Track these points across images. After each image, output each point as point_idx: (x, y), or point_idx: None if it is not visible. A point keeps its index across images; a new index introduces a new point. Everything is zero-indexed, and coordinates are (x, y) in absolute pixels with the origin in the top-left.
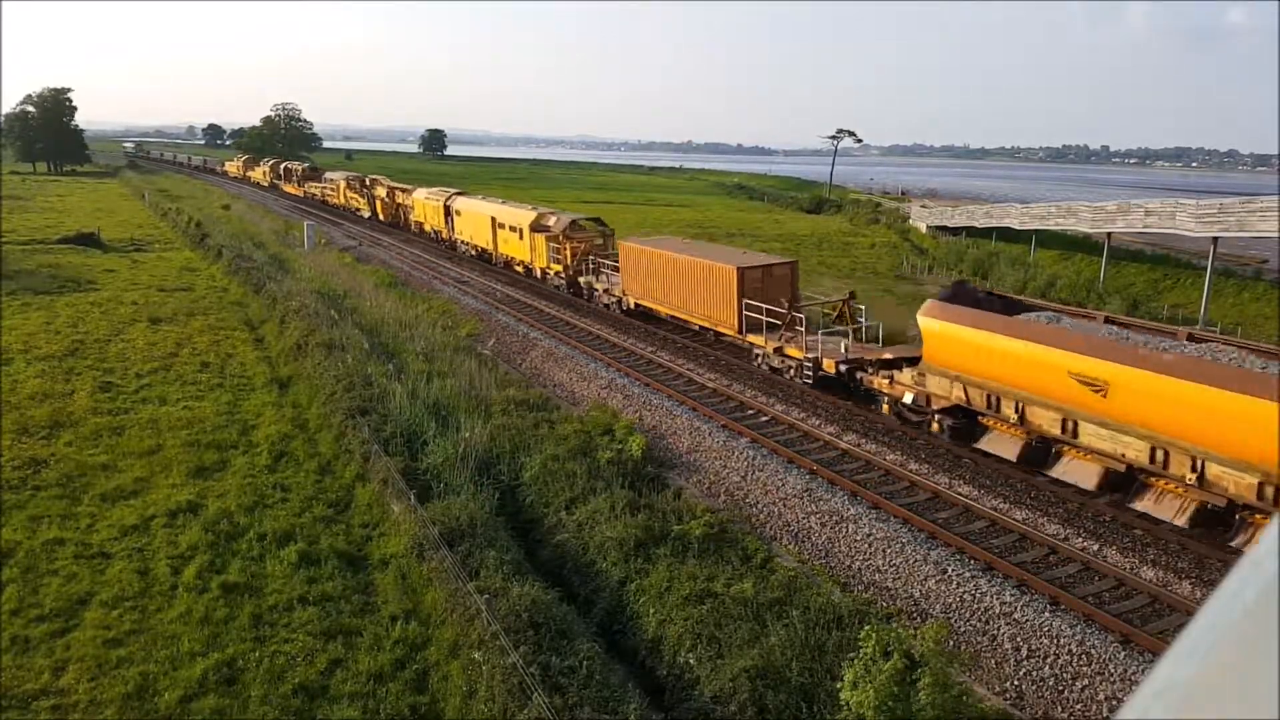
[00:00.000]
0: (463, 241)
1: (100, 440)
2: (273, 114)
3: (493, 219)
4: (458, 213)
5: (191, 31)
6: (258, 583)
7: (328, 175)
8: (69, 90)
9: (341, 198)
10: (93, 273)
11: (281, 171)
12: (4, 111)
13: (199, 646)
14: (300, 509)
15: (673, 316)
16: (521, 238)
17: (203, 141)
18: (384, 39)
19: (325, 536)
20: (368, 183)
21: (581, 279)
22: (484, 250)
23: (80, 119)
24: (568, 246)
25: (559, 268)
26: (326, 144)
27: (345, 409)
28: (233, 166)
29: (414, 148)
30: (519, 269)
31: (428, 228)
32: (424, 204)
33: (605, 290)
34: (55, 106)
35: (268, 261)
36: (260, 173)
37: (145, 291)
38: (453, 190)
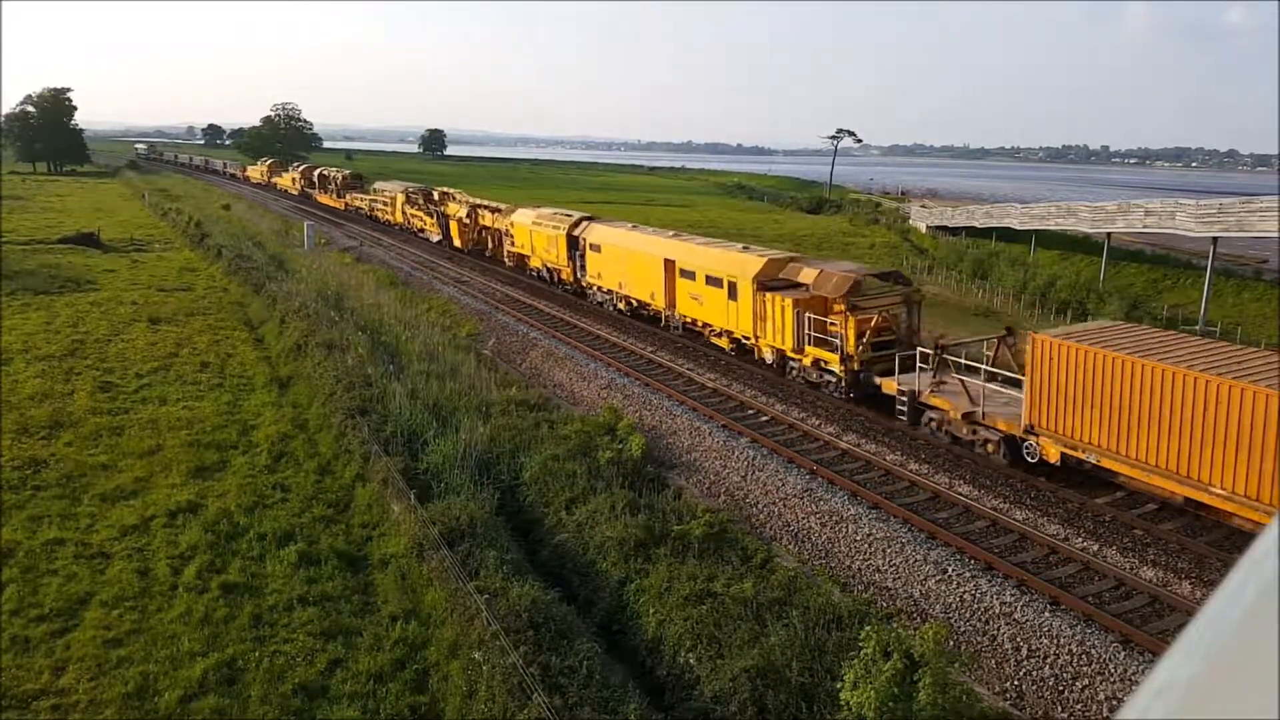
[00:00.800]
0: (601, 289)
1: (100, 440)
2: (272, 114)
3: (667, 261)
4: (594, 247)
5: (191, 31)
6: (258, 583)
7: (378, 185)
8: (69, 90)
9: (398, 214)
10: (92, 273)
11: (316, 179)
12: (4, 111)
13: (199, 646)
14: (300, 509)
15: (1229, 514)
16: (734, 296)
17: (202, 142)
18: (384, 39)
19: (325, 536)
20: (436, 198)
21: (896, 386)
22: (643, 305)
23: (80, 119)
24: (851, 321)
25: (832, 357)
26: (326, 144)
27: (345, 409)
28: (255, 171)
29: (414, 148)
30: (722, 343)
31: (535, 263)
32: (531, 231)
33: (965, 416)
34: (55, 106)
35: (267, 261)
36: (289, 179)
37: (145, 291)
38: (579, 215)
